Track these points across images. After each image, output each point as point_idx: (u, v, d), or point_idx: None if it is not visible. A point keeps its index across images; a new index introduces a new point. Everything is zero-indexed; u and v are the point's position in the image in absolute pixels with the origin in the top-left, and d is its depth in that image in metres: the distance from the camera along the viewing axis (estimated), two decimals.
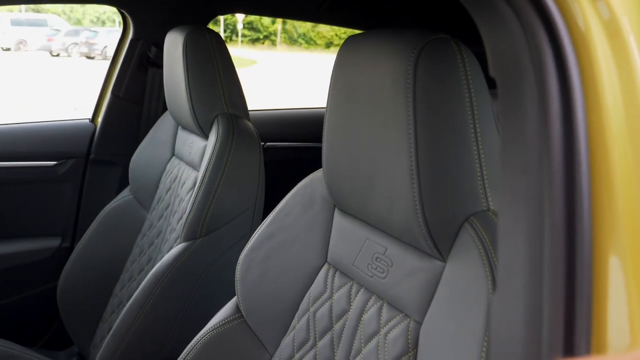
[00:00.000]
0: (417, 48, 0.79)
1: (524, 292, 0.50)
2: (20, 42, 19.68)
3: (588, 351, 0.47)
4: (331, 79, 0.96)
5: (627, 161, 0.51)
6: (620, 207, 0.50)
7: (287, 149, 2.38)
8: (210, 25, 2.02)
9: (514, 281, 0.51)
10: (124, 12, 1.93)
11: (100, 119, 2.04)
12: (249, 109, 2.47)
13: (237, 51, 24.72)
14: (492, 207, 0.81)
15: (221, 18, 25.67)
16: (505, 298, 0.52)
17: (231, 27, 27.31)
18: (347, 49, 0.93)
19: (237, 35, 27.61)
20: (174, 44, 1.61)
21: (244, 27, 27.28)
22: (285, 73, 17.54)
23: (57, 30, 19.58)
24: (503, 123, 0.56)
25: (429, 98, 0.79)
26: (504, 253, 0.53)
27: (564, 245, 0.49)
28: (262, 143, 2.33)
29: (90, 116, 2.09)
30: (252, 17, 24.18)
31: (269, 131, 2.34)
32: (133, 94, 2.02)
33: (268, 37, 29.58)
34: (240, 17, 22.93)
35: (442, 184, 0.80)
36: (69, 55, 18.10)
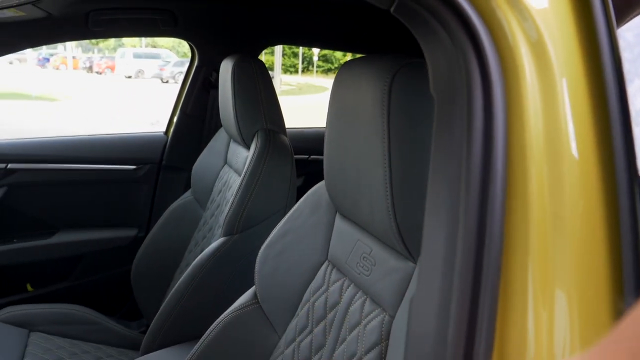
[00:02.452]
0: (392, 72, 0.74)
1: (438, 291, 0.45)
2: (139, 71, 20.70)
3: (489, 348, 0.41)
4: (330, 99, 0.93)
5: (542, 177, 0.45)
6: (534, 221, 0.44)
7: None
8: (291, 58, 2.03)
9: (431, 279, 0.46)
10: (191, 43, 1.97)
11: (171, 132, 2.09)
12: (311, 126, 2.47)
13: (312, 79, 24.96)
14: None
15: (300, 52, 26.00)
16: (423, 295, 0.47)
17: (308, 59, 27.59)
18: (342, 72, 0.90)
19: (313, 66, 27.86)
20: (225, 70, 1.62)
21: (318, 59, 27.50)
22: None
23: (167, 61, 20.46)
24: (436, 137, 0.51)
25: (401, 117, 0.74)
26: (425, 252, 0.48)
27: (474, 252, 0.43)
28: (307, 156, 2.33)
29: (164, 129, 2.14)
30: (325, 50, 24.37)
31: (313, 146, 2.31)
32: (197, 111, 2.05)
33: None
34: (316, 51, 23.14)
35: (411, 194, 0.75)
36: (175, 82, 18.83)
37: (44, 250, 1.98)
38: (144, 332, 1.95)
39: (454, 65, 0.50)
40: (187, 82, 2.05)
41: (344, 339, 0.89)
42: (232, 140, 1.82)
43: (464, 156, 0.47)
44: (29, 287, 2.02)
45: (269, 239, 1.12)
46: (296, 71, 28.06)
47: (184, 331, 1.43)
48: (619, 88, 0.46)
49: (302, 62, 27.69)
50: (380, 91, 0.75)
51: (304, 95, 18.14)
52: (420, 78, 0.74)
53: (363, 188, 0.83)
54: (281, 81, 21.10)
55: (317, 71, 28.12)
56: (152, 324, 1.48)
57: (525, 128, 0.46)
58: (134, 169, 2.06)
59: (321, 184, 1.09)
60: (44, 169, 1.97)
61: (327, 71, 28.69)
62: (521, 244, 0.44)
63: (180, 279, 1.46)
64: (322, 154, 2.38)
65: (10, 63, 24.30)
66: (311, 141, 2.31)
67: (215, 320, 1.17)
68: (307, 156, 2.27)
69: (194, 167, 1.92)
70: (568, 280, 0.43)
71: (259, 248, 1.38)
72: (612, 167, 0.45)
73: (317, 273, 1.03)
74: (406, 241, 0.77)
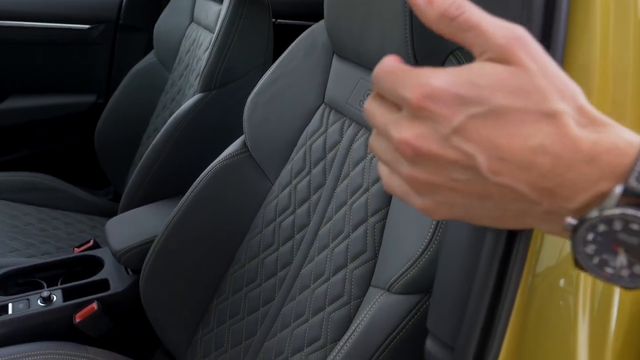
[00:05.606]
0: None
1: None
2: None
3: None
4: None
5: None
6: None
7: (297, 27, 2.25)
8: None
9: None
10: None
11: None
12: None
13: None
14: None
15: None
16: None
17: None
18: None
19: None
20: None
21: None
22: None
23: None
24: None
25: None
26: None
27: None
28: (274, 20, 2.22)
29: None
30: None
31: (281, 9, 2.20)
32: None
33: None
34: None
35: None
36: None
37: None
38: (113, 200, 1.93)
39: None
40: None
41: (347, 175, 0.91)
42: None
43: None
44: None
45: (257, 86, 1.09)
46: None
47: (165, 187, 1.42)
48: None
49: None
50: None
51: None
52: None
53: (374, 20, 0.81)
54: None
55: None
56: (128, 185, 1.45)
57: None
58: (88, 29, 1.91)
59: (315, 26, 1.05)
60: None
61: None
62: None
63: (156, 138, 1.42)
64: (289, 18, 2.26)
65: None
66: (278, 4, 2.19)
67: (201, 173, 1.16)
68: (274, 20, 2.16)
69: (155, 27, 1.80)
70: None
71: (241, 103, 1.35)
72: None
73: (312, 117, 1.02)
74: None
